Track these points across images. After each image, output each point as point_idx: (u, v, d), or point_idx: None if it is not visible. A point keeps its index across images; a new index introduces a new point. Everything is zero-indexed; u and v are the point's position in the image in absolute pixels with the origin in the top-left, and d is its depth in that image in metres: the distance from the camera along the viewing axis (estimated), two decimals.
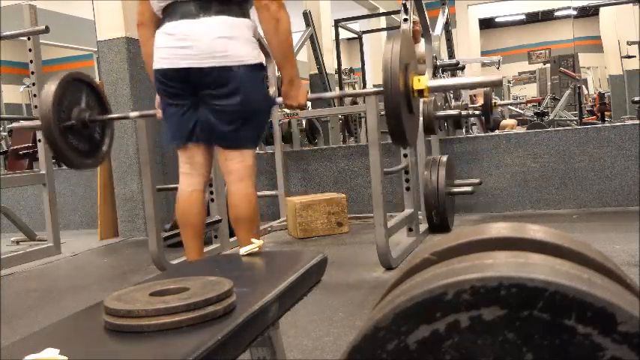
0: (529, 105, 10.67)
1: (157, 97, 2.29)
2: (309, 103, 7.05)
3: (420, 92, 1.99)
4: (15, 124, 2.93)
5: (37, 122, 2.40)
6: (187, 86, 2.05)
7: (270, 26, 2.02)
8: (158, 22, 2.11)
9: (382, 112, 2.08)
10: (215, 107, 2.04)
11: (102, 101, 2.52)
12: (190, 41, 2.00)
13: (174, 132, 2.15)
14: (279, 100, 2.22)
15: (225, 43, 1.98)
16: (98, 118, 2.44)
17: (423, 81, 1.98)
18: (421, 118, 3.65)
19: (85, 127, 2.39)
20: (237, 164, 2.09)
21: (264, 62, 2.10)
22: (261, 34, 2.16)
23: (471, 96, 9.32)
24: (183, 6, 2.03)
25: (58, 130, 2.26)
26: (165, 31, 2.05)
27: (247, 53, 2.01)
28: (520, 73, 15.58)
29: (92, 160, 2.49)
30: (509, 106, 9.91)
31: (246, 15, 2.07)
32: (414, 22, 4.22)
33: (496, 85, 1.97)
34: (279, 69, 2.13)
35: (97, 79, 4.89)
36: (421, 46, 4.21)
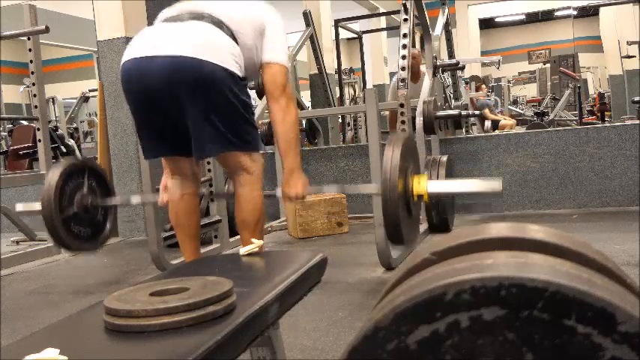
0: (529, 105, 10.69)
1: (163, 179, 2.27)
2: (308, 104, 7.07)
3: (420, 196, 2.04)
4: (19, 206, 2.94)
5: (38, 207, 2.42)
6: (151, 84, 1.92)
7: (278, 116, 2.05)
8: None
9: (383, 113, 2.08)
10: (194, 112, 1.94)
11: (106, 184, 2.54)
12: (164, 35, 1.96)
13: (147, 147, 2.14)
14: (278, 191, 2.20)
15: (200, 41, 1.92)
16: (100, 204, 2.46)
17: (422, 185, 2.02)
18: (421, 118, 3.65)
19: (87, 212, 2.43)
20: (243, 165, 2.07)
21: (243, 76, 2.00)
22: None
23: (471, 98, 9.33)
24: (176, 17, 2.03)
25: (60, 221, 2.30)
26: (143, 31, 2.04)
27: (230, 60, 1.93)
28: (520, 73, 15.59)
29: (92, 244, 2.51)
30: (509, 107, 9.92)
31: (236, 42, 2.00)
32: (413, 56, 4.16)
33: (496, 193, 2.01)
34: (281, 158, 2.13)
35: (97, 79, 4.88)
36: (421, 84, 4.08)
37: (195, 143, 2.00)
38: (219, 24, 1.98)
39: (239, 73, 1.96)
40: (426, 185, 2.01)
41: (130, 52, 1.97)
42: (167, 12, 2.10)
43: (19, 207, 2.81)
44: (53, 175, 2.30)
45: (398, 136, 2.06)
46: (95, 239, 2.50)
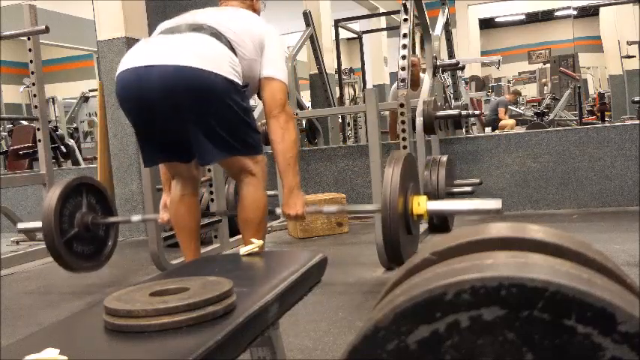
0: (529, 105, 10.70)
1: (163, 198, 2.30)
2: (308, 104, 7.06)
3: (420, 216, 2.04)
4: (20, 226, 2.96)
5: (39, 225, 2.43)
6: (151, 94, 1.90)
7: (277, 135, 2.05)
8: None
9: (383, 113, 2.08)
10: (195, 121, 1.94)
11: (106, 202, 2.54)
12: (163, 45, 1.95)
13: (145, 155, 2.14)
14: (278, 211, 2.21)
15: (199, 51, 1.91)
16: (101, 221, 2.47)
17: (422, 205, 2.03)
18: (421, 118, 3.65)
19: (88, 230, 2.44)
20: (246, 168, 2.08)
21: (240, 82, 1.98)
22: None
23: (471, 99, 9.34)
24: (175, 28, 2.02)
25: (62, 243, 2.33)
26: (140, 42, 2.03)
27: (228, 69, 1.92)
28: (520, 73, 15.60)
29: (93, 263, 2.52)
30: (508, 107, 9.93)
31: (235, 53, 2.00)
32: (413, 63, 4.15)
33: (496, 214, 2.02)
34: (280, 177, 2.12)
35: (96, 79, 4.88)
36: (422, 89, 4.08)
37: (198, 150, 2.00)
38: (218, 35, 1.97)
39: (239, 81, 1.96)
40: (425, 206, 2.03)
41: (127, 62, 1.94)
42: (166, 24, 2.10)
43: (21, 226, 2.83)
44: (52, 196, 2.31)
45: (398, 154, 2.07)
46: (97, 257, 2.51)
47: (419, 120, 3.65)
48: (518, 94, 10.94)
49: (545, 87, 11.41)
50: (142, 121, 2.02)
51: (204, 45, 1.93)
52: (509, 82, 13.58)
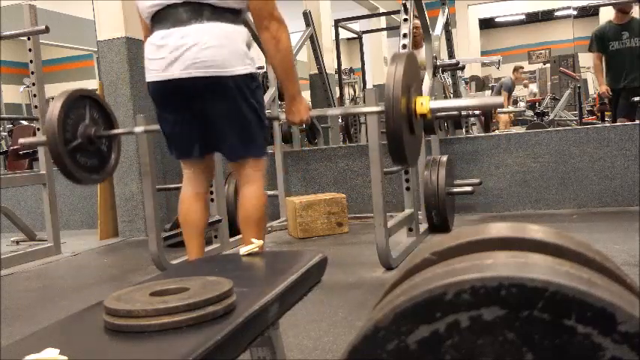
0: (529, 105, 10.70)
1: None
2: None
3: (423, 115, 2.01)
4: (21, 140, 2.91)
5: (43, 138, 2.42)
6: (178, 98, 2.03)
7: (271, 45, 2.03)
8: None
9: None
10: (209, 119, 2.04)
11: (108, 115, 2.53)
12: (180, 51, 1.96)
13: (174, 147, 2.18)
14: (282, 116, 2.25)
15: (213, 53, 1.94)
16: (104, 133, 2.45)
17: (425, 104, 1.99)
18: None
19: (91, 143, 2.42)
20: (248, 169, 2.11)
21: (254, 71, 2.05)
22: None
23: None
24: (173, 12, 1.99)
25: (66, 152, 2.29)
26: (155, 42, 2.02)
27: (236, 63, 1.97)
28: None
29: (100, 176, 2.51)
30: (509, 107, 9.93)
31: (238, 22, 2.03)
32: (415, 26, 4.20)
33: (497, 107, 1.99)
34: (280, 86, 2.14)
35: (97, 79, 4.87)
36: (422, 52, 4.19)
37: (227, 149, 2.11)
38: (216, 10, 1.97)
39: (252, 69, 2.03)
40: (428, 105, 1.99)
41: (154, 71, 2.03)
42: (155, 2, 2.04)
43: (22, 140, 2.81)
44: (55, 106, 2.29)
45: (400, 54, 2.03)
46: (102, 170, 2.50)
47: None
48: (520, 68, 10.81)
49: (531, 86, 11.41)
50: (178, 122, 2.11)
51: (213, 40, 1.95)
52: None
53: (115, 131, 2.51)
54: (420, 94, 2.06)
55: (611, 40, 4.93)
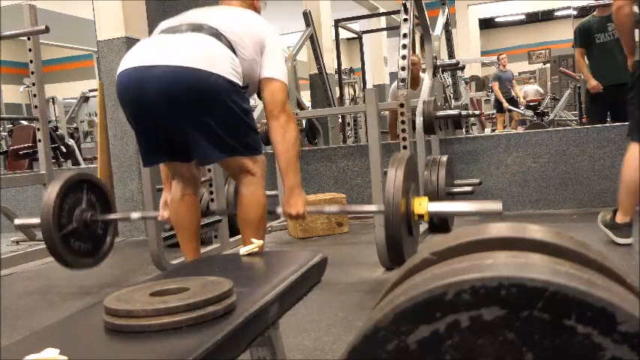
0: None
1: (163, 196, 2.31)
2: (308, 104, 7.06)
3: (421, 216, 2.06)
4: (17, 222, 2.94)
5: (37, 221, 2.41)
6: (149, 94, 1.90)
7: (278, 135, 2.05)
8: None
9: (383, 113, 2.09)
10: (195, 121, 1.95)
11: (106, 198, 2.54)
12: (164, 45, 1.95)
13: (146, 155, 2.12)
14: (279, 210, 2.20)
15: (208, 53, 1.91)
16: (100, 218, 2.46)
17: (423, 205, 2.07)
18: (421, 118, 3.65)
19: (86, 227, 2.43)
20: (246, 168, 2.09)
21: (240, 83, 1.98)
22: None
23: (471, 98, 9.35)
24: (175, 28, 2.02)
25: (59, 238, 2.32)
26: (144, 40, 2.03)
27: (228, 70, 1.92)
28: (520, 73, 15.59)
29: (93, 259, 2.52)
30: (509, 107, 9.93)
31: (234, 53, 2.00)
32: (413, 62, 4.17)
33: (495, 214, 2.04)
34: (281, 177, 2.13)
35: (97, 79, 4.87)
36: (425, 82, 4.10)
37: (198, 151, 2.00)
38: (218, 35, 1.97)
39: (239, 81, 1.96)
40: (426, 207, 2.05)
41: (127, 62, 1.95)
42: (166, 23, 2.11)
43: (17, 222, 2.82)
44: (52, 191, 2.30)
45: (401, 156, 2.09)
46: (95, 254, 2.51)
47: (419, 120, 3.65)
48: (500, 54, 10.71)
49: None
50: (141, 120, 2.01)
51: (205, 45, 1.93)
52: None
53: (112, 216, 2.51)
54: (418, 194, 2.13)
55: (596, 32, 4.76)
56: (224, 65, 1.91)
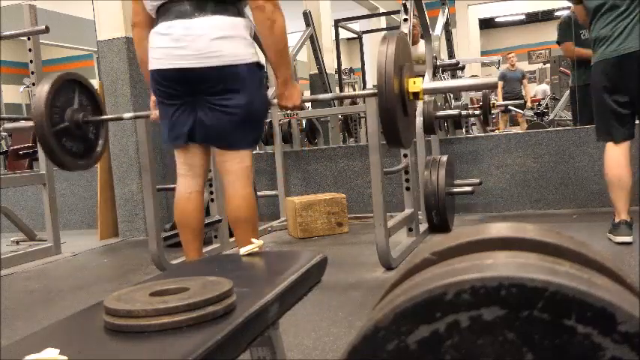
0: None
1: (152, 97, 2.28)
2: (308, 104, 7.05)
3: (416, 95, 1.98)
4: (9, 125, 2.92)
5: (32, 124, 2.41)
6: (184, 87, 2.04)
7: (265, 27, 2.00)
8: (152, 23, 2.11)
9: None
10: (213, 108, 2.04)
11: (96, 101, 2.52)
12: (186, 42, 1.98)
13: (172, 133, 2.15)
14: (274, 101, 2.22)
15: (221, 44, 1.97)
16: (92, 119, 2.43)
17: (418, 83, 1.96)
18: (421, 118, 3.65)
19: (78, 128, 2.40)
20: (235, 165, 2.09)
21: (261, 62, 2.09)
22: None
23: (471, 98, 9.34)
24: (177, 5, 2.01)
25: (52, 133, 2.27)
26: (160, 31, 2.03)
27: (244, 52, 2.00)
28: None
29: (86, 162, 2.49)
30: (509, 107, 9.93)
31: (241, 14, 2.05)
32: (413, 24, 4.21)
33: (492, 88, 1.98)
34: (273, 70, 2.11)
35: (96, 79, 4.87)
36: (420, 47, 4.21)
37: (226, 138, 2.08)
38: (223, 4, 1.99)
39: (259, 59, 2.05)
40: (420, 84, 1.97)
41: (160, 59, 2.03)
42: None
43: (9, 125, 2.82)
44: (43, 88, 2.28)
45: (391, 34, 2.01)
46: (88, 156, 2.49)
47: (419, 120, 3.65)
48: (509, 53, 10.66)
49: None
50: (175, 99, 2.09)
51: (220, 32, 1.98)
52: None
53: (103, 117, 2.49)
54: (413, 75, 2.04)
55: (582, 28, 4.49)
56: (245, 46, 2.01)
